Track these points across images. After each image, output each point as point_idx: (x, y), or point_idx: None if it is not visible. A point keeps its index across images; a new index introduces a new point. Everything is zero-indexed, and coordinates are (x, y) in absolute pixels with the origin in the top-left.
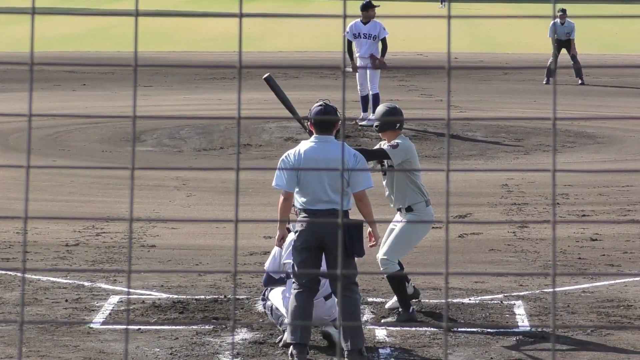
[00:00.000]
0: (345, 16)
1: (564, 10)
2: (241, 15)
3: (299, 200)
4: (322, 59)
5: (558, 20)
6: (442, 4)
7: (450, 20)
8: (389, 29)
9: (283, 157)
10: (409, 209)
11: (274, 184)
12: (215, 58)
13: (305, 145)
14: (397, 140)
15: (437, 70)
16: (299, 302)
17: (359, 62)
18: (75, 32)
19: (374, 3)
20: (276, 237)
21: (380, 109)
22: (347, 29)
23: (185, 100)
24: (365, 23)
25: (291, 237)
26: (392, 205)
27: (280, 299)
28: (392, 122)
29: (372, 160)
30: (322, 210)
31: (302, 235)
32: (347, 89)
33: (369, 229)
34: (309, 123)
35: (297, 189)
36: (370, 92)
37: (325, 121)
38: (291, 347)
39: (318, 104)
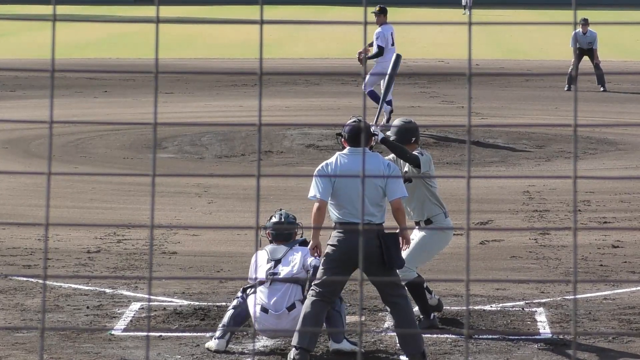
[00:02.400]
0: (366, 23)
1: (585, 20)
2: (262, 22)
3: (335, 212)
4: (342, 66)
5: (580, 30)
6: (465, 10)
7: (472, 26)
8: (410, 35)
9: (319, 167)
10: (427, 222)
11: (310, 195)
12: (236, 65)
13: (340, 156)
14: (420, 151)
15: (458, 77)
16: (314, 309)
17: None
18: (96, 39)
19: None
20: (309, 247)
21: (396, 123)
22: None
23: (206, 107)
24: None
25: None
26: (410, 218)
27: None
28: (408, 136)
29: (406, 161)
30: (359, 223)
31: (338, 247)
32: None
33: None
34: (342, 139)
35: (333, 201)
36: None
37: (360, 135)
38: (293, 350)
39: (352, 120)
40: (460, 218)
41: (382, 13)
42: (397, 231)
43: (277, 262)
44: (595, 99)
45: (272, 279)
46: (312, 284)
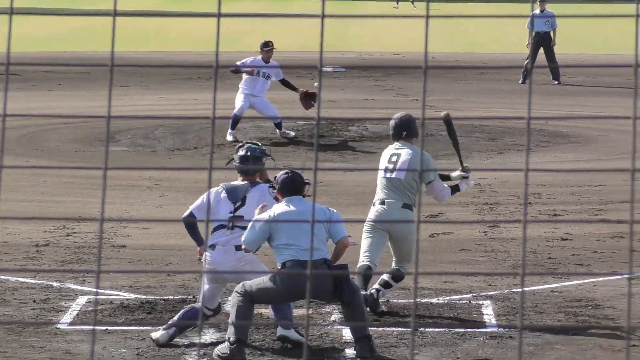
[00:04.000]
0: (323, 16)
1: None
2: (219, 15)
3: (284, 253)
4: (300, 59)
5: (538, 10)
6: (397, 3)
7: (429, 19)
8: (365, 29)
9: (261, 216)
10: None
11: (245, 241)
12: (193, 58)
13: (278, 207)
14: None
15: (414, 69)
16: (243, 309)
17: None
18: (54, 32)
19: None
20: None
21: (404, 117)
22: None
23: (161, 100)
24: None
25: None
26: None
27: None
28: (397, 130)
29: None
30: (312, 261)
31: (285, 283)
32: (326, 89)
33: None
34: (275, 190)
35: (278, 244)
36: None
37: (291, 186)
38: (228, 344)
39: (283, 172)
40: None
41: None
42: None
43: (239, 203)
44: (549, 91)
45: (234, 225)
46: (244, 285)
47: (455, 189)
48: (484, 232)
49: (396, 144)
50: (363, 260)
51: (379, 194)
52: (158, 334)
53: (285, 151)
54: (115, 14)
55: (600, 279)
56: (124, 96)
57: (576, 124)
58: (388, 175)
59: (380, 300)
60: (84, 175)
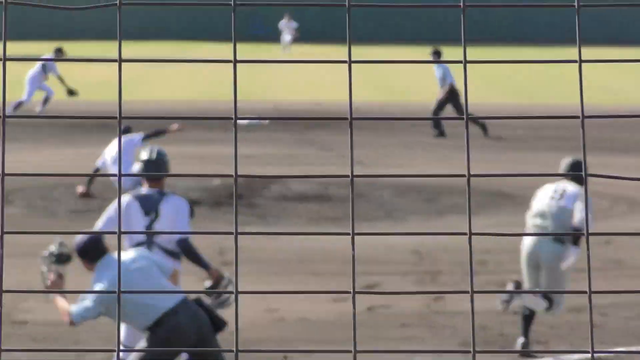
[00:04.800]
0: (235, 61)
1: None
2: (120, 61)
3: (145, 315)
4: (212, 110)
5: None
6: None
7: (351, 65)
8: (283, 75)
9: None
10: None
11: (78, 316)
12: (92, 108)
13: (105, 274)
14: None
15: (338, 121)
16: None
17: None
18: None
19: None
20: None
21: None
22: None
23: (57, 156)
24: None
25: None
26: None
27: None
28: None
29: None
30: (179, 304)
31: (169, 335)
32: (243, 143)
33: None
34: (84, 261)
35: (131, 309)
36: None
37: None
38: None
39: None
40: (344, 281)
41: None
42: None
43: (153, 213)
44: (486, 145)
45: (152, 241)
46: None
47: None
48: (427, 305)
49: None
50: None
51: None
52: None
53: (200, 213)
54: (5, 58)
55: (562, 357)
56: (15, 150)
57: (521, 182)
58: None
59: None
60: None
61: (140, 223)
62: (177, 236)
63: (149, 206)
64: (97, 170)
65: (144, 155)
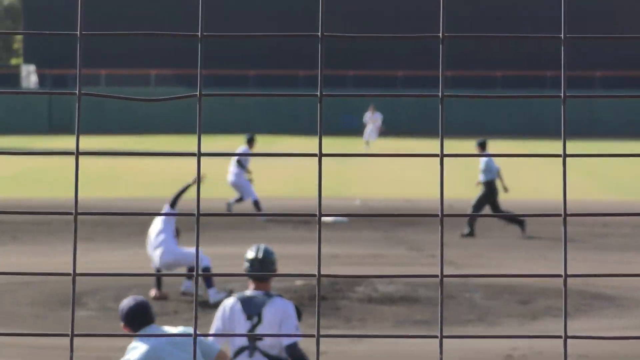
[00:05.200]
0: (321, 155)
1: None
2: (200, 155)
3: None
4: (292, 207)
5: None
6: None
7: (443, 159)
8: (372, 170)
9: None
10: None
11: None
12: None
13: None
14: None
15: (428, 219)
16: None
17: None
18: (4, 174)
19: None
20: None
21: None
22: None
23: (133, 256)
24: None
25: None
26: None
27: None
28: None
29: None
30: None
31: None
32: (327, 242)
33: None
34: (122, 325)
35: None
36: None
37: (138, 314)
38: None
39: (129, 300)
40: None
41: None
42: None
43: (255, 317)
44: (589, 247)
45: (255, 346)
46: None
47: None
48: None
49: None
50: None
51: None
52: None
53: None
54: (77, 152)
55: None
56: (89, 251)
57: (622, 283)
58: None
59: None
60: (44, 345)
61: (242, 328)
62: (283, 341)
63: (252, 310)
64: (158, 270)
65: (250, 254)
